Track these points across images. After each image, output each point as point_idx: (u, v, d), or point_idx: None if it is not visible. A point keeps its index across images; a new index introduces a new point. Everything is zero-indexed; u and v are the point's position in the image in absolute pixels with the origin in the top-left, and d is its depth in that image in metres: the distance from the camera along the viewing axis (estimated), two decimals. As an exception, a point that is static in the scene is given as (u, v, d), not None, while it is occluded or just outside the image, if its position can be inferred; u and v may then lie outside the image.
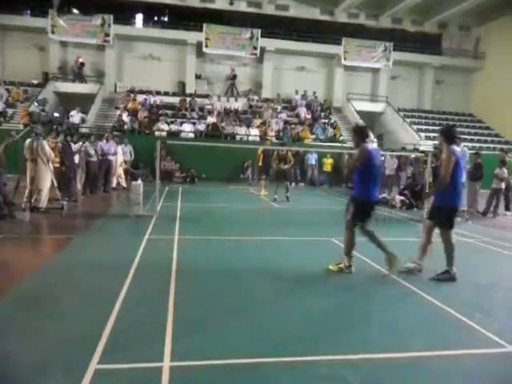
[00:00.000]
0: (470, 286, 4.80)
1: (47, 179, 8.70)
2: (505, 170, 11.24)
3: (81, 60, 22.98)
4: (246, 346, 3.16)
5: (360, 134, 5.06)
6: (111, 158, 13.09)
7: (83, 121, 19.00)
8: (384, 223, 9.47)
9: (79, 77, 23.01)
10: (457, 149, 4.89)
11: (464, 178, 10.60)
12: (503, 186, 11.24)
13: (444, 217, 4.92)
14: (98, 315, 3.58)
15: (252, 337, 3.33)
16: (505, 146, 21.77)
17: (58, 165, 9.81)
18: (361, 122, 4.13)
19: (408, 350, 3.19)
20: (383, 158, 14.49)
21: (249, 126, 20.37)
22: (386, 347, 3.22)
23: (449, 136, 4.88)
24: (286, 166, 12.13)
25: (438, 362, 3.07)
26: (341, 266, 5.11)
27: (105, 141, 13.10)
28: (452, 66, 27.37)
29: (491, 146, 22.99)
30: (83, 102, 20.60)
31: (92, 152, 12.08)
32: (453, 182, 4.80)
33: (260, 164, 13.66)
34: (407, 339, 3.40)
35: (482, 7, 24.85)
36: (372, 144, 4.85)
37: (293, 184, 17.26)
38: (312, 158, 18.21)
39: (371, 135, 4.86)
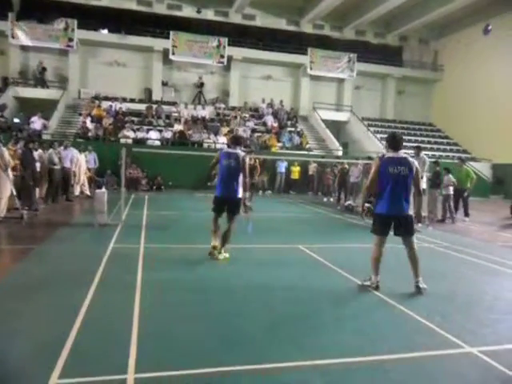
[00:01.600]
0: (431, 290, 4.96)
1: (6, 187, 8.38)
2: (451, 177, 11.79)
3: (43, 65, 22.35)
4: (212, 355, 3.14)
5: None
6: (68, 165, 12.69)
7: (45, 127, 18.42)
8: (350, 230, 9.68)
9: (41, 82, 22.32)
10: (392, 155, 4.82)
11: (424, 185, 11.04)
12: (451, 191, 11.76)
13: (373, 223, 5.00)
14: (58, 328, 3.46)
15: (218, 346, 3.31)
16: (463, 155, 22.79)
17: (17, 173, 9.47)
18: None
19: (373, 353, 3.25)
20: (347, 166, 14.81)
21: (216, 133, 20.36)
22: (351, 351, 3.27)
23: (388, 143, 5.00)
24: (256, 180, 11.94)
25: (402, 365, 3.15)
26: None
27: (62, 148, 12.71)
28: (413, 77, 28.46)
29: (450, 154, 23.97)
30: (45, 107, 19.97)
31: (56, 160, 11.73)
32: (380, 189, 4.81)
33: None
34: (372, 343, 3.47)
35: (439, 22, 26.13)
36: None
37: (260, 192, 17.38)
38: (282, 166, 18.42)
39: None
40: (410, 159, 4.84)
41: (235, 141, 6.32)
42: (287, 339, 3.49)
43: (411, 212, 4.91)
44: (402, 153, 4.90)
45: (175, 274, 5.24)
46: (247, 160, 6.04)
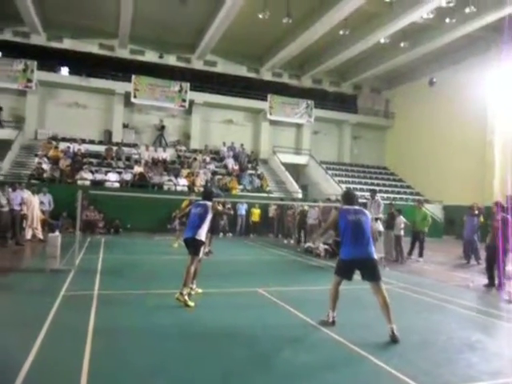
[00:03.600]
0: (386, 331, 5.01)
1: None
2: (402, 218, 12.29)
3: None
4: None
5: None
6: (17, 207, 12.17)
7: (-3, 168, 17.74)
8: (310, 271, 9.73)
9: (-5, 122, 21.72)
10: (348, 207, 5.20)
11: (380, 227, 11.40)
12: (402, 232, 12.22)
13: (336, 265, 5.29)
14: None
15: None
16: (416, 197, 23.81)
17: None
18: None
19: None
20: (306, 208, 15.08)
21: (177, 176, 20.31)
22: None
23: (343, 199, 5.47)
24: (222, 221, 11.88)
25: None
26: None
27: (10, 189, 12.23)
28: (367, 123, 29.99)
29: (404, 196, 24.98)
30: (-2, 148, 19.34)
31: (3, 202, 11.23)
32: (341, 237, 5.14)
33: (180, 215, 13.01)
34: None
35: (388, 74, 28.09)
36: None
37: (221, 234, 17.27)
38: (242, 208, 18.48)
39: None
40: (365, 210, 5.30)
41: (206, 195, 6.70)
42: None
43: (376, 256, 5.02)
44: (356, 207, 5.27)
45: (128, 321, 5.03)
46: (215, 206, 6.58)
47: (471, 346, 4.68)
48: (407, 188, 27.19)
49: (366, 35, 21.94)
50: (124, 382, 3.41)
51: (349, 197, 5.39)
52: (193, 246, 6.20)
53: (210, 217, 6.37)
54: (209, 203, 6.44)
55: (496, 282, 8.37)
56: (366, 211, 5.27)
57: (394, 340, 4.62)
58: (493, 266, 8.43)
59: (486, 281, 8.66)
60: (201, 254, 6.34)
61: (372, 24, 21.22)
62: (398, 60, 24.93)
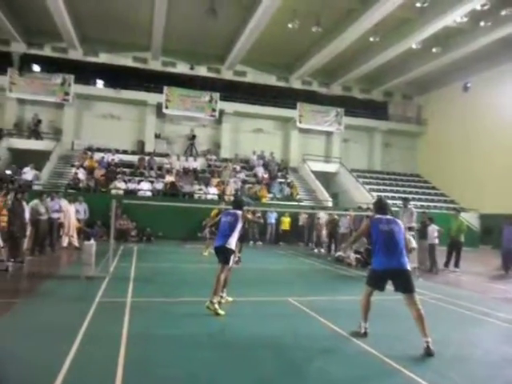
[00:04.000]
0: (420, 343, 4.88)
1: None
2: (435, 227, 11.95)
3: (38, 117, 22.84)
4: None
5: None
6: (55, 215, 12.63)
7: (37, 178, 18.48)
8: (340, 281, 9.61)
9: (35, 134, 22.70)
10: (380, 216, 5.14)
11: (412, 241, 11.08)
12: (436, 241, 11.88)
13: (368, 275, 5.27)
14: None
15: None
16: (450, 205, 23.15)
17: (5, 224, 9.38)
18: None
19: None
20: (337, 217, 14.91)
21: (207, 185, 20.56)
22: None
23: (375, 207, 5.42)
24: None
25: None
26: None
27: (49, 199, 12.70)
28: (398, 130, 29.45)
29: (438, 204, 24.32)
30: (38, 158, 20.15)
31: (42, 210, 11.67)
32: (374, 247, 5.07)
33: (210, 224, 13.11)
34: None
35: (420, 80, 27.50)
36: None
37: (251, 242, 17.30)
38: (272, 217, 18.48)
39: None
40: (397, 220, 5.16)
41: (237, 204, 6.69)
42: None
43: (409, 267, 4.88)
44: (389, 216, 5.17)
45: (161, 329, 5.11)
46: (245, 214, 6.63)
47: (511, 360, 4.48)
48: (441, 196, 26.46)
49: (396, 41, 21.68)
50: (156, 389, 3.47)
51: (381, 205, 5.29)
52: (223, 254, 6.24)
53: (240, 226, 6.41)
54: (239, 212, 6.46)
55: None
56: (399, 221, 5.15)
57: (428, 354, 4.47)
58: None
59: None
60: (231, 263, 6.34)
61: (403, 30, 20.94)
62: (430, 65, 24.46)
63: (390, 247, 4.86)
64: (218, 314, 5.81)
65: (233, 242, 6.26)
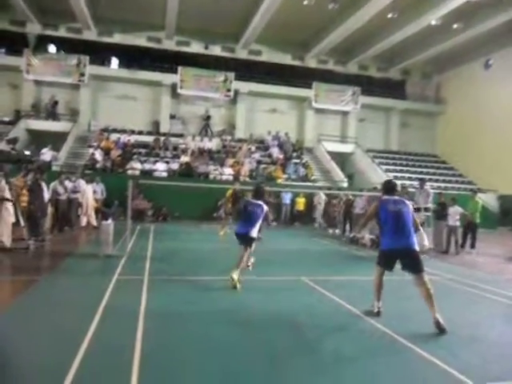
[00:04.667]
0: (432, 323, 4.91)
1: (5, 217, 8.45)
2: (458, 209, 11.80)
3: (55, 98, 23.07)
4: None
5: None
6: (73, 196, 12.95)
7: (55, 159, 18.78)
8: (355, 262, 9.64)
9: (52, 115, 22.96)
10: (388, 197, 5.21)
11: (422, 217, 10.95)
12: (458, 223, 11.77)
13: (378, 256, 5.27)
14: (60, 359, 3.48)
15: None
16: (468, 186, 22.79)
17: (26, 204, 9.63)
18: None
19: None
20: (352, 197, 14.83)
21: (222, 165, 20.61)
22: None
23: (383, 188, 5.46)
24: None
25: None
26: None
27: (67, 181, 12.94)
28: (416, 110, 28.85)
29: (456, 185, 23.96)
30: (55, 139, 20.45)
31: (61, 190, 11.91)
32: (382, 227, 5.10)
33: (229, 205, 13.23)
34: (377, 379, 3.43)
35: (439, 57, 26.72)
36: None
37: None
38: (286, 198, 18.47)
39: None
40: (405, 200, 5.24)
41: (259, 194, 6.89)
42: (287, 378, 3.47)
43: (417, 248, 4.92)
44: (396, 197, 5.23)
45: (178, 306, 5.25)
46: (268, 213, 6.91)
47: (525, 341, 4.49)
48: (459, 177, 26.03)
49: (415, 17, 21.05)
50: (174, 361, 3.59)
51: (389, 187, 5.36)
52: (245, 241, 6.64)
53: (263, 217, 6.73)
54: (265, 207, 6.75)
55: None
56: (407, 201, 5.23)
57: (440, 330, 4.54)
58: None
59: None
60: (253, 248, 6.87)
61: (422, 5, 20.30)
62: (450, 42, 23.74)
63: (399, 228, 4.92)
64: (235, 288, 6.07)
65: (255, 232, 6.67)
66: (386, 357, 3.94)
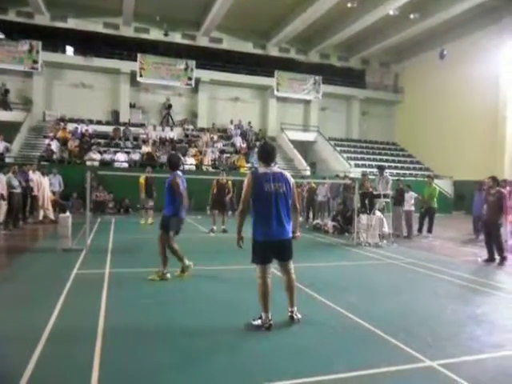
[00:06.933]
0: (393, 306, 5.08)
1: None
2: (413, 194, 12.33)
3: (6, 87, 21.91)
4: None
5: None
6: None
7: (7, 150, 17.91)
8: (318, 248, 9.81)
9: (4, 104, 21.82)
10: (264, 170, 4.19)
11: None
12: (413, 208, 12.29)
13: (252, 251, 4.35)
14: (16, 357, 3.35)
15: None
16: (426, 173, 23.62)
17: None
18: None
19: (333, 372, 3.29)
20: (315, 185, 15.03)
21: (184, 154, 20.32)
22: (311, 371, 3.31)
23: (259, 155, 4.37)
24: (229, 196, 11.98)
25: (362, 382, 3.20)
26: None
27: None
28: (375, 98, 29.54)
29: (413, 172, 24.80)
30: (8, 130, 19.42)
31: (15, 183, 11.39)
32: (255, 212, 4.17)
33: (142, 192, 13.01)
34: (332, 361, 3.52)
35: (398, 47, 27.44)
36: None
37: (229, 212, 17.35)
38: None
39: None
40: (286, 174, 4.25)
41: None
42: (248, 361, 3.50)
43: (291, 234, 4.32)
44: (276, 167, 4.35)
45: (138, 299, 5.16)
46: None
47: (476, 319, 4.73)
48: (416, 164, 26.95)
49: (374, 7, 21.42)
50: (135, 354, 3.54)
51: (265, 152, 4.30)
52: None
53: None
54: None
55: (496, 256, 8.36)
56: (288, 175, 4.28)
57: (293, 322, 4.32)
58: (491, 241, 8.42)
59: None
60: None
61: (381, -5, 20.66)
62: (408, 32, 24.35)
63: (276, 214, 4.17)
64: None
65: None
66: (350, 341, 4.04)
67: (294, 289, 4.40)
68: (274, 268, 4.49)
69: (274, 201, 4.11)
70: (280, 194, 4.12)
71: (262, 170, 4.21)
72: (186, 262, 6.25)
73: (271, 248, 4.22)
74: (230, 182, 12.13)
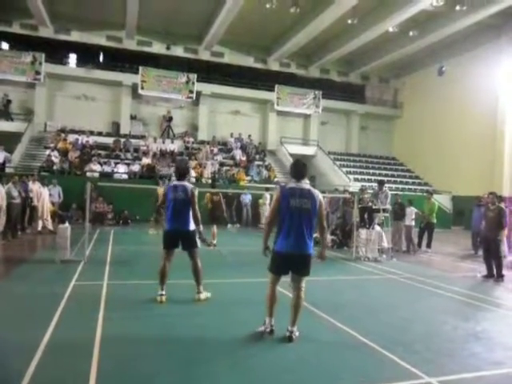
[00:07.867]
0: (393, 321, 5.06)
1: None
2: (413, 209, 12.36)
3: (8, 97, 22.06)
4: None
5: None
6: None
7: (8, 160, 17.94)
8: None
9: (5, 114, 21.94)
10: (294, 185, 4.34)
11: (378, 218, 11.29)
12: (413, 223, 12.32)
13: (270, 259, 4.42)
14: (12, 370, 3.32)
15: None
16: (424, 188, 23.70)
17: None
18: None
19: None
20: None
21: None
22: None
23: (291, 171, 4.60)
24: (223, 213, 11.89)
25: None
26: None
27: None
28: (375, 113, 29.76)
29: (412, 187, 24.86)
30: (9, 140, 19.47)
31: (15, 194, 11.40)
32: (279, 224, 4.30)
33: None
34: (330, 376, 3.49)
35: (397, 64, 27.75)
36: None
37: (229, 225, 17.33)
38: (246, 198, 18.51)
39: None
40: (315, 191, 4.32)
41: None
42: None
43: (312, 251, 4.35)
44: (306, 183, 4.44)
45: (136, 311, 5.14)
46: (196, 193, 5.86)
47: (476, 335, 4.71)
48: (415, 178, 27.02)
49: (374, 24, 21.69)
50: (132, 366, 3.51)
51: (297, 168, 4.51)
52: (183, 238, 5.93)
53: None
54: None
55: (494, 272, 8.35)
56: (317, 193, 4.35)
57: (290, 341, 4.24)
58: (490, 257, 8.41)
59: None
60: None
61: (380, 12, 20.95)
62: (407, 49, 24.63)
63: (297, 229, 4.24)
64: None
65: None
66: (346, 354, 4.02)
67: (300, 308, 4.36)
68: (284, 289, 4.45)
69: (297, 215, 4.22)
70: (303, 209, 4.23)
71: (290, 185, 4.38)
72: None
73: (288, 260, 4.30)
74: (222, 200, 11.83)
